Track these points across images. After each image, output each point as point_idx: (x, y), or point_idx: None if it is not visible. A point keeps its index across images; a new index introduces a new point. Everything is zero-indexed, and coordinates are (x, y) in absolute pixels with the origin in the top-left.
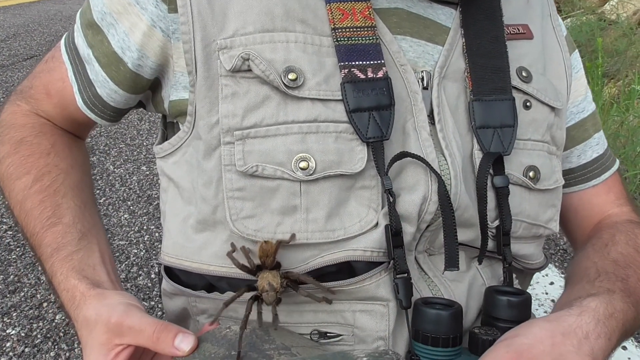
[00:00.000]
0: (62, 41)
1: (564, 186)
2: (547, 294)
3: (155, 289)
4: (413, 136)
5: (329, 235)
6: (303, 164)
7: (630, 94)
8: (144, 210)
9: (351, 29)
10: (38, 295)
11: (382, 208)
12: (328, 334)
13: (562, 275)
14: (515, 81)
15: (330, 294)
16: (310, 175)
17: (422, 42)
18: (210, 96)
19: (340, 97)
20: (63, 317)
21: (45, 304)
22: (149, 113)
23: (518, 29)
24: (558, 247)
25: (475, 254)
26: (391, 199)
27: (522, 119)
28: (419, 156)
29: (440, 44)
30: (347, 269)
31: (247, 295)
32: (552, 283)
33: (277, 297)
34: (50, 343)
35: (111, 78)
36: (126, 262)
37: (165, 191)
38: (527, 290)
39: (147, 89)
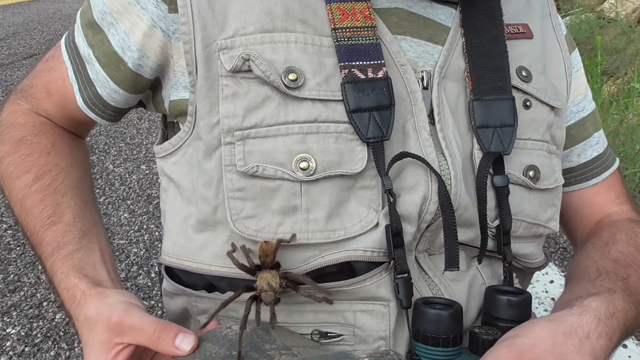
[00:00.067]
0: (63, 40)
1: (564, 185)
2: (547, 292)
3: (155, 288)
4: (413, 136)
5: (329, 235)
6: (303, 164)
7: (629, 92)
8: (144, 209)
9: (351, 29)
10: (38, 295)
11: (383, 208)
12: (329, 334)
13: (562, 274)
14: (515, 81)
15: (328, 296)
16: (311, 175)
17: (422, 42)
18: (211, 96)
19: (341, 98)
20: (63, 316)
21: (45, 303)
22: (149, 112)
23: (518, 28)
24: (558, 246)
25: (475, 254)
26: (391, 199)
27: (522, 119)
28: (419, 156)
29: (440, 43)
30: (348, 269)
31: (247, 295)
32: (552, 281)
33: (276, 297)
34: (50, 342)
35: (111, 78)
36: (126, 261)
37: (166, 191)
38: (527, 289)
39: (147, 89)
